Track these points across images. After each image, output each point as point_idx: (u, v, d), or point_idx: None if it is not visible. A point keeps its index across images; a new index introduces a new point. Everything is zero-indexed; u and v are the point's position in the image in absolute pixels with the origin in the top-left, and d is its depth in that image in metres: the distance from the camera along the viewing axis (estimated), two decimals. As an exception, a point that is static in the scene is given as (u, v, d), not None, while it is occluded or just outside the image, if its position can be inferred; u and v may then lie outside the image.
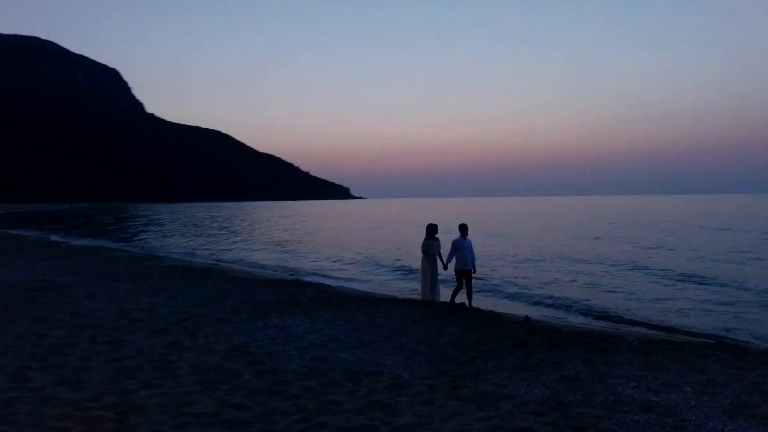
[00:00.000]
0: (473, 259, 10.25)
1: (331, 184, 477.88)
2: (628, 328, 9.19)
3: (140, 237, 33.41)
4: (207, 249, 24.30)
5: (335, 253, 22.67)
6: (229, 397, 4.99)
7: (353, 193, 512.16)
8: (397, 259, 19.77)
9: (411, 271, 16.90)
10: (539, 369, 6.02)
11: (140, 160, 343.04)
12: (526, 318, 9.02)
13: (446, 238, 10.98)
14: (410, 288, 13.67)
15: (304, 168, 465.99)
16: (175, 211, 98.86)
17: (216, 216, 74.17)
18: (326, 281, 14.38)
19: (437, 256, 10.50)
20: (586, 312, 10.47)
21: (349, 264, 18.96)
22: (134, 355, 6.34)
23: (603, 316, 10.15)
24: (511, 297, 12.41)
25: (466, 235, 10.33)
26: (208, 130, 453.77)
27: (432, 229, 10.66)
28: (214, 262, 19.35)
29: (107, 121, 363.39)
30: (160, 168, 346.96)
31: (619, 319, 9.81)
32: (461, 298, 10.45)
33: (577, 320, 9.91)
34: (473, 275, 10.42)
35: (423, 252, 10.54)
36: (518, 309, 10.93)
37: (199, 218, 66.49)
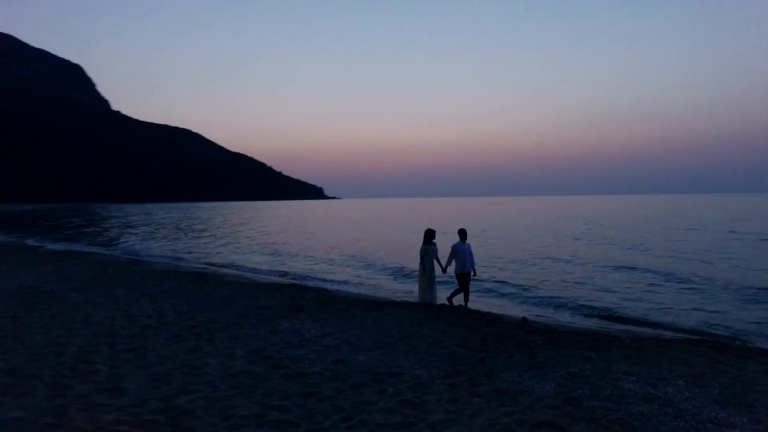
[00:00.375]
0: (472, 262, 10.74)
1: (305, 183, 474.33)
2: (616, 325, 9.86)
3: (120, 240, 32.68)
4: (192, 253, 24.10)
5: (324, 255, 22.91)
6: (267, 399, 5.30)
7: (327, 193, 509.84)
8: (386, 260, 20.22)
9: (402, 272, 17.36)
10: (546, 367, 6.53)
11: (105, 159, 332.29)
12: (524, 319, 9.57)
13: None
14: (404, 290, 14.10)
15: (276, 167, 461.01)
16: (146, 212, 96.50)
17: (191, 217, 72.89)
18: (322, 284, 14.64)
19: (435, 260, 10.95)
20: (576, 311, 11.12)
21: (340, 266, 19.25)
22: (159, 361, 6.55)
23: (592, 314, 10.82)
24: (502, 297, 12.98)
25: (465, 239, 10.82)
26: (177, 128, 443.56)
27: (430, 234, 11.10)
28: (203, 266, 19.31)
29: (70, 118, 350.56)
30: (126, 167, 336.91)
31: (607, 317, 10.50)
32: (458, 299, 10.94)
33: (568, 319, 10.51)
34: (473, 277, 10.91)
35: (421, 256, 10.97)
36: (510, 309, 11.47)
37: (174, 220, 65.21)
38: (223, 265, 19.22)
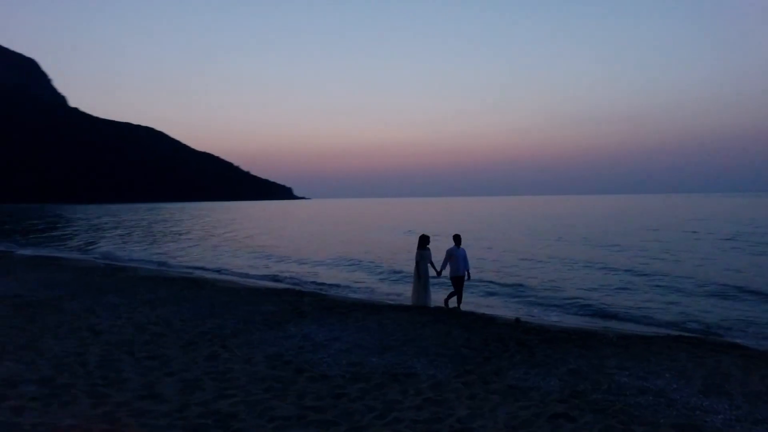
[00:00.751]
0: (466, 267, 11.31)
1: (273, 184, 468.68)
2: (601, 322, 10.70)
3: (97, 245, 31.80)
4: (175, 257, 23.86)
5: (310, 257, 23.18)
6: (301, 401, 5.67)
7: (296, 193, 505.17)
8: (371, 262, 20.73)
9: (391, 273, 17.91)
10: (547, 365, 7.14)
11: (62, 157, 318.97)
12: (517, 320, 10.21)
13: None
14: (396, 293, 14.62)
15: (244, 167, 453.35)
16: (111, 214, 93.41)
17: (162, 219, 71.15)
18: (315, 288, 14.97)
19: (430, 264, 11.47)
20: (563, 310, 11.88)
21: (329, 268, 19.58)
22: (185, 368, 6.80)
23: (578, 313, 11.61)
24: (490, 297, 13.67)
25: (460, 244, 11.39)
26: (140, 126, 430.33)
27: (424, 240, 11.61)
28: (188, 270, 19.25)
29: (24, 114, 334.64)
30: (84, 166, 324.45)
31: (592, 315, 11.35)
32: (452, 302, 11.50)
33: (555, 319, 11.23)
34: (467, 281, 11.49)
35: (417, 261, 11.47)
36: (499, 309, 12.13)
37: (145, 222, 63.55)
38: (211, 270, 19.20)
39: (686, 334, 9.25)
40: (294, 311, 10.79)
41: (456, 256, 11.21)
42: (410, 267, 18.97)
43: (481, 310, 11.64)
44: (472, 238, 33.68)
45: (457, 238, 11.44)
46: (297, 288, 14.53)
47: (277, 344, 8.17)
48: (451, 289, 11.53)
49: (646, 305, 12.19)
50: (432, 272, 11.52)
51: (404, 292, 14.56)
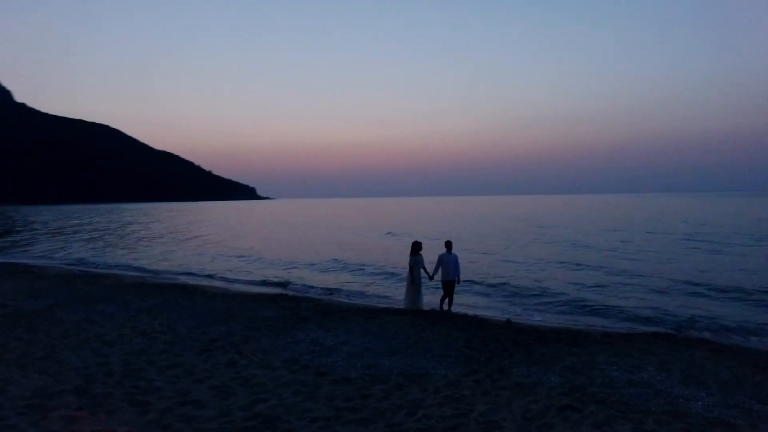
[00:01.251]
0: (457, 271, 11.97)
1: (236, 183, 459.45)
2: (584, 320, 11.66)
3: (65, 250, 30.63)
4: (154, 262, 23.53)
5: (293, 260, 23.44)
6: (332, 403, 6.13)
7: (259, 193, 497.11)
8: (352, 263, 21.29)
9: (377, 276, 18.52)
10: (545, 362, 7.86)
11: (8, 156, 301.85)
12: (508, 321, 10.96)
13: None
14: (386, 295, 15.19)
15: (205, 166, 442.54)
16: (67, 216, 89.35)
17: (127, 222, 68.78)
18: (308, 293, 15.34)
19: (422, 270, 12.08)
20: (545, 311, 12.75)
21: (316, 271, 19.92)
22: (209, 375, 7.12)
23: (560, 312, 12.54)
24: (475, 296, 14.47)
25: (451, 250, 12.04)
26: (94, 124, 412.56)
27: (417, 246, 12.20)
28: (172, 276, 19.14)
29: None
30: (31, 166, 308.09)
31: (572, 313, 12.31)
32: (446, 305, 12.15)
33: (540, 317, 12.10)
34: (457, 285, 12.15)
35: (410, 266, 12.06)
36: (487, 311, 12.87)
37: (107, 224, 61.32)
38: (198, 276, 19.16)
39: (661, 331, 10.22)
40: (294, 317, 11.15)
41: (447, 261, 11.86)
42: (396, 269, 19.67)
43: (472, 312, 12.37)
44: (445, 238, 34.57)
45: (448, 244, 12.10)
46: (291, 293, 14.82)
47: (290, 349, 8.56)
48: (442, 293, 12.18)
49: (620, 303, 13.24)
50: (424, 277, 12.12)
51: (392, 294, 15.16)
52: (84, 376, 6.86)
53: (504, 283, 16.37)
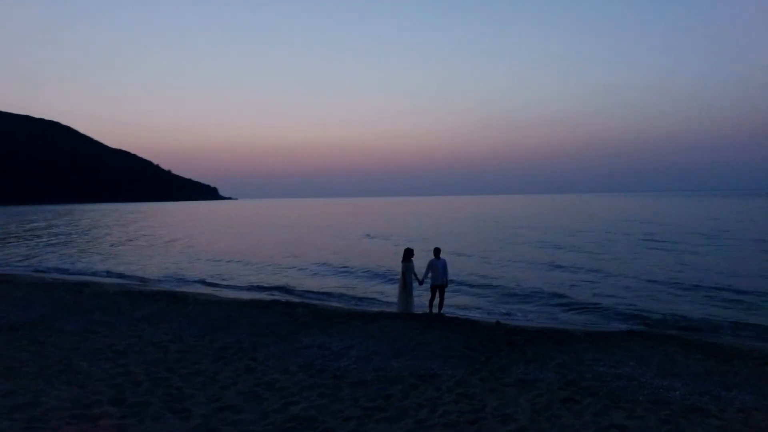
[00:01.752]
0: (445, 276, 12.71)
1: (197, 183, 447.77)
2: (563, 315, 12.73)
3: (33, 256, 29.51)
4: (126, 266, 23.21)
5: (276, 262, 23.70)
6: (358, 403, 6.68)
7: (222, 193, 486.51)
8: (335, 264, 21.81)
9: (365, 277, 19.11)
10: (539, 360, 8.67)
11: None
12: (497, 323, 11.76)
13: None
14: (376, 298, 15.80)
15: (164, 166, 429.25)
16: (17, 219, 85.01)
17: (89, 225, 66.19)
18: (300, 297, 15.75)
19: (413, 275, 12.76)
20: (528, 311, 13.69)
21: (305, 275, 20.28)
22: (235, 381, 7.52)
23: (540, 312, 13.51)
24: (463, 295, 15.32)
25: (439, 256, 12.77)
26: (42, 120, 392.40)
27: (408, 253, 12.86)
28: (154, 282, 19.05)
29: None
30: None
31: (554, 312, 13.32)
32: (435, 307, 12.87)
33: (521, 316, 13.05)
34: (446, 289, 12.89)
35: (402, 272, 12.70)
36: (474, 312, 13.70)
37: (66, 227, 58.91)
38: (190, 282, 19.15)
39: (636, 329, 11.29)
40: (295, 322, 11.58)
41: (436, 266, 12.59)
42: (380, 270, 20.29)
43: (459, 312, 13.15)
44: (420, 238, 35.45)
45: (436, 251, 12.83)
46: (284, 299, 15.17)
47: (301, 354, 9.03)
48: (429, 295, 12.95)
49: (592, 301, 14.40)
50: (415, 283, 12.80)
51: (382, 297, 15.79)
52: (113, 386, 7.13)
53: (487, 285, 17.26)
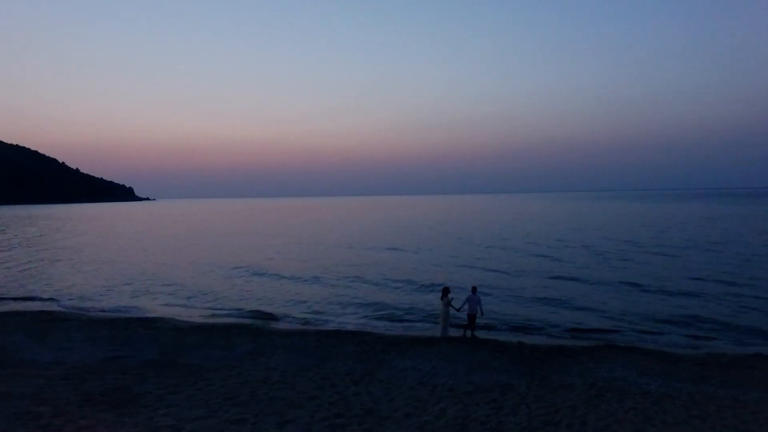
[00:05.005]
0: (479, 307, 17.06)
1: (110, 183, 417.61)
2: (562, 326, 17.64)
3: None
4: (82, 289, 24.74)
5: (265, 286, 26.47)
6: (489, 405, 10.76)
7: (138, 193, 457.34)
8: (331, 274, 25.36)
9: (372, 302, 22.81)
10: (570, 369, 13.24)
11: None
12: (519, 343, 16.30)
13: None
14: (411, 325, 19.76)
15: (72, 164, 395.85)
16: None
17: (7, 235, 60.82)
18: (308, 325, 19.29)
19: (451, 306, 17.02)
20: (532, 330, 18.43)
21: (310, 302, 23.20)
22: (354, 395, 11.23)
23: (546, 332, 18.31)
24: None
25: (475, 291, 17.15)
26: None
27: (446, 291, 17.11)
28: (124, 308, 21.65)
29: None
30: None
31: (559, 335, 18.12)
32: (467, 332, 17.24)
33: (535, 336, 17.77)
34: (480, 318, 17.26)
35: (444, 305, 16.91)
36: (485, 334, 18.17)
37: None
38: (199, 308, 21.65)
39: (613, 344, 16.30)
40: (373, 350, 15.23)
41: (472, 299, 16.99)
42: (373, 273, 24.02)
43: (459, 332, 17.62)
44: (359, 240, 37.81)
45: (473, 288, 17.26)
46: (339, 329, 18.19)
47: (408, 376, 12.81)
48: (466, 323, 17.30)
49: (579, 315, 19.68)
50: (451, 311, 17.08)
51: (416, 325, 19.77)
52: (330, 418, 10.60)
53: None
